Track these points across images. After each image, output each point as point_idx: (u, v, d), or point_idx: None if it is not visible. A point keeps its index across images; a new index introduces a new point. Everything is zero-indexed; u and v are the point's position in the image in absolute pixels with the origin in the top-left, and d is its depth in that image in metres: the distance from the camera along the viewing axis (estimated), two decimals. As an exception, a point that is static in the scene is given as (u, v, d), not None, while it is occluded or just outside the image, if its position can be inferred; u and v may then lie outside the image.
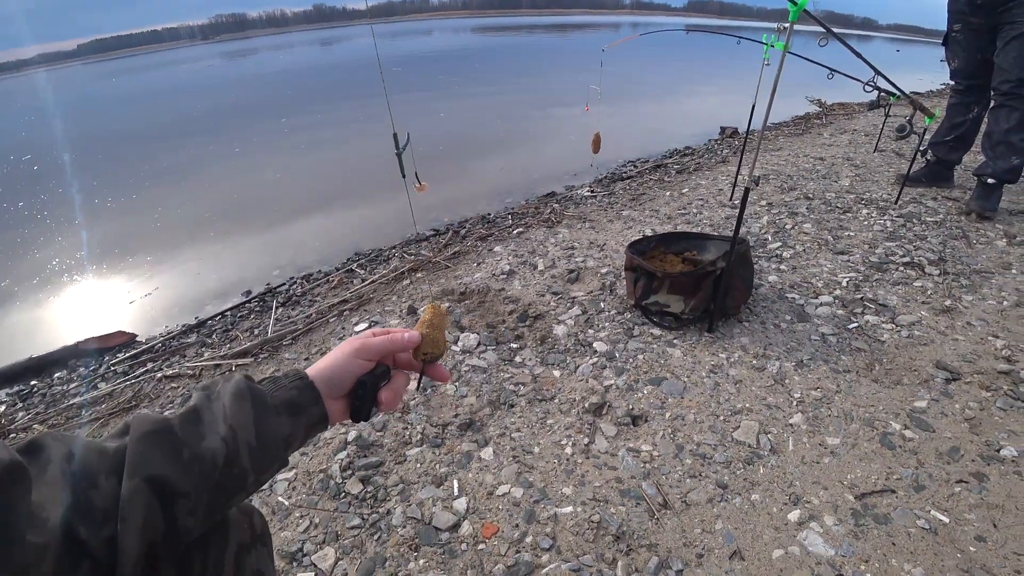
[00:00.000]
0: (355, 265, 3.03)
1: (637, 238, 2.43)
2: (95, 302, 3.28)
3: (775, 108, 1.76)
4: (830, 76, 3.33)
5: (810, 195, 3.60)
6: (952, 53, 3.31)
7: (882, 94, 4.40)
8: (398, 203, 4.28)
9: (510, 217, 3.58)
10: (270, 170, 6.00)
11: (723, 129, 5.90)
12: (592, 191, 3.94)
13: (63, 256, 3.97)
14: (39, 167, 7.20)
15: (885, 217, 3.17)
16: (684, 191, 3.81)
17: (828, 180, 3.94)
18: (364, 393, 0.69)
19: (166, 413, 0.54)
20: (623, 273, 2.47)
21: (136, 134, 9.21)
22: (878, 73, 2.74)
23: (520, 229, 3.24)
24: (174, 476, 0.49)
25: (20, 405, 2.25)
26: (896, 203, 3.36)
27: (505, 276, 2.62)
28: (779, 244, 2.86)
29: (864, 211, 3.29)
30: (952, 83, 3.49)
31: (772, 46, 2.86)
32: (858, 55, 2.53)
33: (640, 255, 2.28)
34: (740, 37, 3.64)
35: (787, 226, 3.10)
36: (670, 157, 4.96)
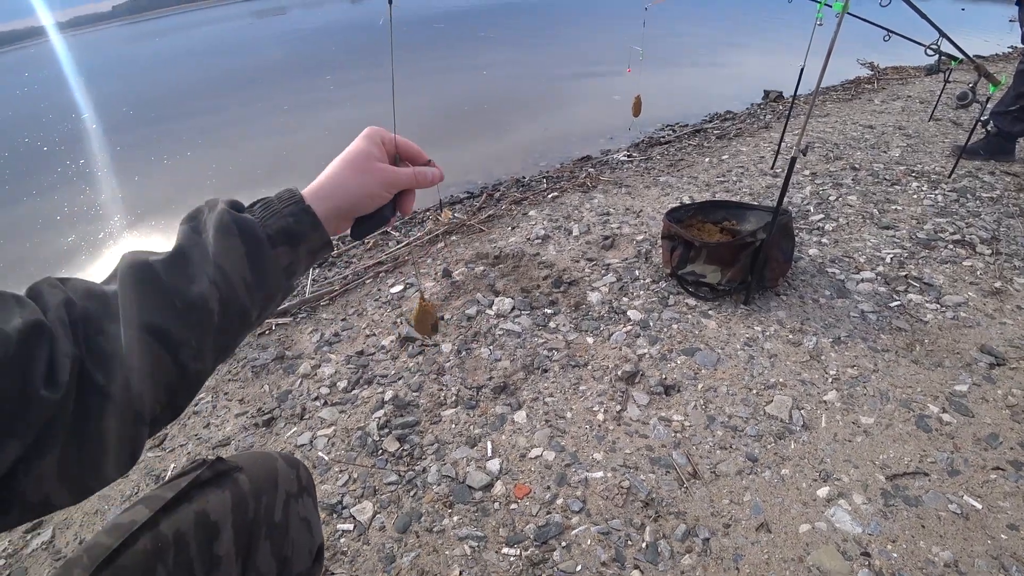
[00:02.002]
0: (389, 228, 3.06)
1: (675, 206, 2.39)
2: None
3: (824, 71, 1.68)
4: (887, 38, 3.14)
5: (857, 165, 3.46)
6: (1026, 14, 3.09)
7: (942, 58, 4.15)
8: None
9: (544, 181, 3.54)
10: (314, 128, 6.08)
11: (767, 93, 5.65)
12: (629, 155, 3.85)
13: (126, 212, 4.13)
14: (95, 127, 7.44)
15: (937, 191, 3.04)
16: (724, 158, 3.70)
17: (877, 150, 3.77)
18: (379, 220, 0.64)
19: (153, 255, 0.50)
20: (659, 241, 2.44)
21: (184, 93, 9.41)
22: (943, 35, 2.58)
23: (555, 193, 3.21)
24: (169, 325, 0.47)
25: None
26: (950, 176, 3.21)
27: (540, 241, 2.62)
28: (822, 216, 2.77)
29: (914, 184, 3.15)
30: (1023, 47, 3.26)
31: (827, 5, 2.71)
32: (923, 15, 2.38)
33: (677, 223, 2.25)
34: (793, -6, 3.45)
35: (831, 197, 3.00)
36: (710, 122, 4.80)
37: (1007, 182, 3.13)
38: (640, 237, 2.59)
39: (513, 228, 2.80)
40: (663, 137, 4.32)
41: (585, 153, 4.14)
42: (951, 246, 2.48)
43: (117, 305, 0.47)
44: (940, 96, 4.50)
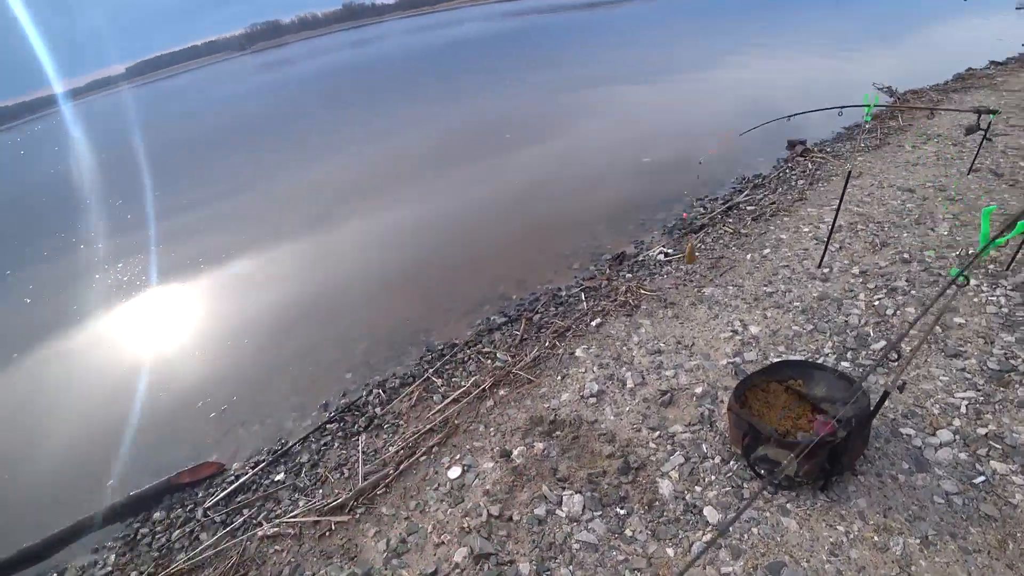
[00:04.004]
0: (430, 370, 2.99)
1: (741, 377, 2.29)
2: (184, 425, 3.34)
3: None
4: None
5: (906, 254, 3.34)
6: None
7: (981, 115, 4.02)
8: (461, 271, 4.28)
9: (582, 294, 3.46)
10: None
11: (791, 144, 5.49)
12: (665, 253, 3.75)
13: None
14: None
15: (998, 291, 2.91)
16: (765, 252, 3.58)
17: (923, 226, 3.64)
18: None
19: None
20: (719, 395, 2.36)
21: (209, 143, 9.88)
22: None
23: (598, 320, 3.12)
24: None
25: (128, 556, 2.35)
26: (1008, 269, 3.08)
27: (594, 400, 2.54)
28: (882, 343, 2.66)
29: (973, 282, 3.02)
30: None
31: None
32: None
33: (744, 387, 2.17)
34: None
35: (888, 311, 2.88)
36: (741, 191, 4.67)
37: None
38: (699, 390, 2.50)
39: (563, 377, 2.73)
40: (696, 220, 4.20)
41: (617, 246, 4.04)
42: (1027, 380, 2.36)
43: None
44: (979, 150, 4.35)
